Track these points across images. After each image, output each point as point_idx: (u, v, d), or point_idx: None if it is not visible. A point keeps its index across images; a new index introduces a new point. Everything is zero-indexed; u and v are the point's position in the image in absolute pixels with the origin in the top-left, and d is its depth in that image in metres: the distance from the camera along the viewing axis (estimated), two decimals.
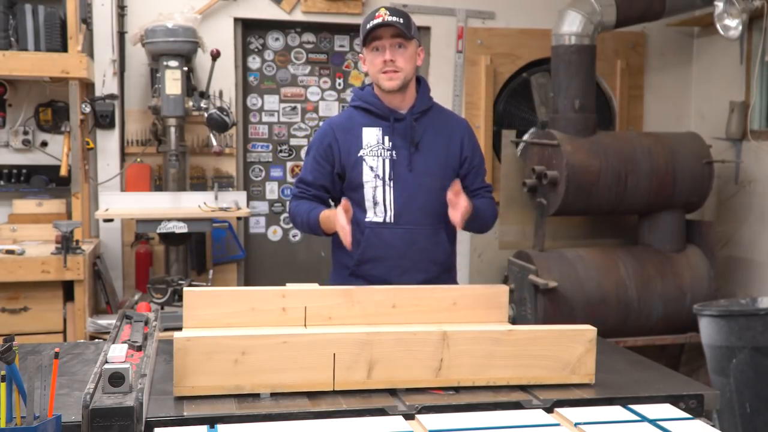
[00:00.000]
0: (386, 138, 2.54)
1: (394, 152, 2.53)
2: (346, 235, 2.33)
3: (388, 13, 2.46)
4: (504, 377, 1.91)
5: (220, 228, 4.65)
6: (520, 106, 4.99)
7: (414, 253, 2.55)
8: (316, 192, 2.57)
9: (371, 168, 2.52)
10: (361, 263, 2.56)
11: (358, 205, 2.54)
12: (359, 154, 2.53)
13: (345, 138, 2.55)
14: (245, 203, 4.41)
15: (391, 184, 2.52)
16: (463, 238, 4.84)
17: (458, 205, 2.39)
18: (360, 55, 2.61)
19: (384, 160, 2.52)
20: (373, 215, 2.53)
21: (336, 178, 2.57)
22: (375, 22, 2.45)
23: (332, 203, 2.65)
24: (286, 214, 4.98)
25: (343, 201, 2.37)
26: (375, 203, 2.53)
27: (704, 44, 5.12)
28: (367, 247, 2.53)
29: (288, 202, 2.59)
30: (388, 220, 2.53)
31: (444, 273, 2.63)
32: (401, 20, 2.46)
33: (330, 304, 2.26)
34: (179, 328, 2.06)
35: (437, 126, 2.59)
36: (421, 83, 2.61)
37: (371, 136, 2.54)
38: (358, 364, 1.83)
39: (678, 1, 4.31)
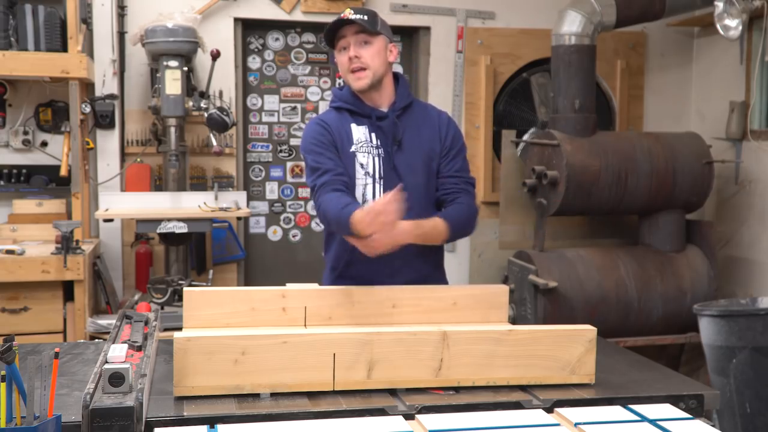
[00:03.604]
0: (373, 135, 2.51)
1: (381, 150, 2.50)
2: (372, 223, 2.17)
3: (351, 11, 2.44)
4: (504, 377, 1.91)
5: (220, 228, 4.65)
6: (520, 106, 4.99)
7: (403, 252, 2.47)
8: (343, 177, 2.43)
9: (361, 165, 2.49)
10: (350, 264, 2.51)
11: None
12: (351, 150, 2.49)
13: (337, 132, 2.51)
14: (245, 203, 4.41)
15: (381, 182, 2.49)
16: (464, 238, 4.83)
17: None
18: (335, 59, 2.59)
19: (374, 158, 2.49)
20: None
21: None
22: (336, 20, 2.44)
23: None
24: (286, 214, 4.98)
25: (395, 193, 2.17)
26: (364, 201, 2.48)
27: (704, 44, 5.12)
28: (355, 247, 2.49)
29: (315, 197, 2.45)
30: None
31: (434, 270, 2.61)
32: (365, 17, 2.43)
33: (330, 304, 2.26)
34: (179, 328, 2.06)
35: (418, 121, 2.56)
36: (399, 80, 2.58)
37: (360, 132, 2.51)
38: (358, 364, 1.83)
39: (678, 1, 4.30)
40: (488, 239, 4.71)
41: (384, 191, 2.47)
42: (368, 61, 2.43)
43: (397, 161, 2.51)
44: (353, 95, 2.53)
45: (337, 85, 4.99)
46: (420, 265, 2.55)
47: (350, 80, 2.48)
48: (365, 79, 2.45)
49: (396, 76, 2.58)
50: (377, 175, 2.50)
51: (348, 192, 2.41)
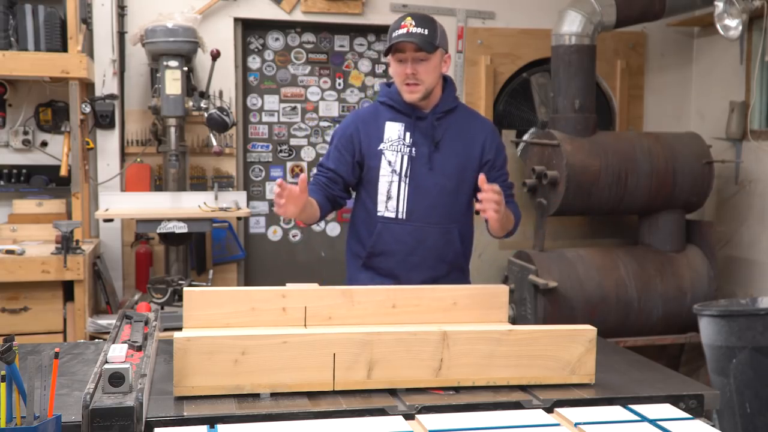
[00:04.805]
0: (408, 134, 2.58)
1: (413, 149, 2.57)
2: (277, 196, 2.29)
3: (413, 23, 2.46)
4: (504, 377, 1.91)
5: (220, 228, 4.65)
6: (520, 106, 4.99)
7: (423, 251, 2.60)
8: (333, 176, 2.61)
9: (389, 162, 2.57)
10: (372, 256, 2.63)
11: (372, 198, 2.61)
12: (379, 148, 2.58)
13: (367, 130, 2.61)
14: (245, 203, 4.41)
15: (407, 181, 2.57)
16: None
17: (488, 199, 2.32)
18: (386, 57, 2.62)
19: (403, 156, 2.57)
20: (385, 210, 2.59)
21: (356, 167, 2.62)
22: (399, 32, 2.47)
23: (344, 193, 2.68)
24: None
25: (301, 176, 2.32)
26: (388, 198, 2.58)
27: (704, 44, 5.12)
28: (377, 240, 2.60)
29: None
30: (399, 216, 2.58)
31: (454, 272, 2.67)
32: (426, 31, 2.46)
33: (330, 304, 2.26)
34: (179, 328, 2.06)
35: (460, 127, 2.62)
36: (447, 83, 2.64)
37: (393, 130, 2.59)
38: (358, 364, 1.83)
39: (678, 1, 4.31)
40: (488, 239, 4.67)
41: (409, 189, 2.57)
42: (423, 77, 2.50)
43: (433, 162, 2.57)
44: (399, 94, 2.60)
45: (336, 85, 5.00)
46: (437, 265, 2.63)
47: (403, 91, 2.55)
48: (418, 93, 2.52)
49: (445, 79, 2.63)
50: (403, 173, 2.56)
51: (322, 189, 2.58)
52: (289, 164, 4.98)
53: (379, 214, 2.59)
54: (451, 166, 2.59)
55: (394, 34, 2.48)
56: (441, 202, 2.59)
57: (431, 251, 2.60)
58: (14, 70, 3.96)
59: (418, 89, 2.51)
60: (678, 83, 5.23)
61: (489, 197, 2.30)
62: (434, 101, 2.59)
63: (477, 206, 2.36)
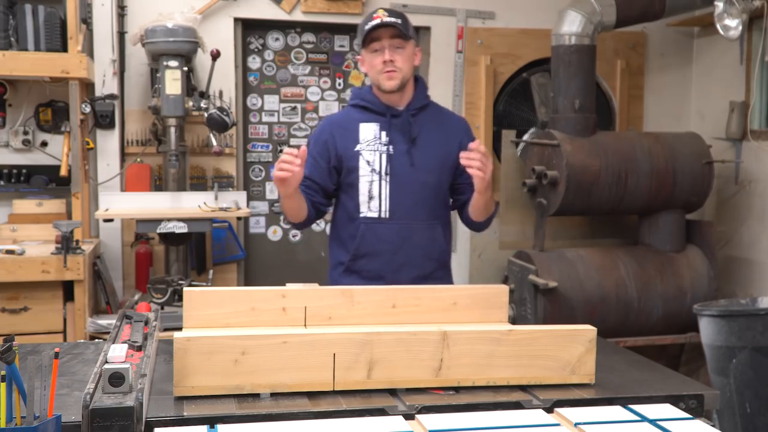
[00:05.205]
0: (383, 133, 2.58)
1: (390, 147, 2.57)
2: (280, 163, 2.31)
3: (386, 14, 2.51)
4: (504, 377, 1.91)
5: (220, 228, 4.65)
6: (520, 106, 4.99)
7: (408, 249, 2.59)
8: (309, 183, 2.60)
9: (368, 162, 2.56)
10: (355, 258, 2.61)
11: (353, 200, 2.59)
12: (356, 149, 2.57)
13: (342, 133, 2.60)
14: (245, 203, 4.41)
15: (387, 179, 2.56)
16: (463, 238, 4.84)
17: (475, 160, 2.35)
18: (358, 56, 2.65)
19: (381, 155, 2.56)
20: (367, 210, 2.58)
21: (333, 173, 2.61)
22: (374, 23, 2.49)
23: (324, 200, 2.67)
24: None
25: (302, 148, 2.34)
26: (370, 197, 2.57)
27: (704, 44, 5.12)
28: (361, 242, 2.58)
29: None
30: (382, 215, 2.57)
31: (439, 269, 2.66)
32: (399, 21, 2.51)
33: (330, 304, 2.25)
34: (179, 328, 2.06)
35: (435, 123, 2.63)
36: (418, 82, 2.66)
37: (368, 131, 2.58)
38: (358, 364, 1.83)
39: (678, 1, 4.31)
40: (488, 239, 4.71)
41: (390, 187, 2.56)
42: (401, 64, 2.53)
43: (411, 158, 2.57)
44: (372, 94, 2.61)
45: (336, 85, 5.00)
46: (423, 263, 2.61)
47: (381, 80, 2.55)
48: (396, 80, 2.53)
49: (416, 77, 2.66)
50: (383, 172, 2.56)
51: (305, 196, 2.55)
52: None
53: (361, 215, 2.58)
54: (430, 161, 2.59)
55: (367, 26, 2.51)
56: (423, 197, 2.59)
57: (417, 249, 2.59)
58: (14, 70, 3.96)
59: (397, 76, 2.53)
60: (678, 83, 5.23)
61: (475, 156, 2.32)
62: (408, 98, 2.61)
63: (463, 161, 2.35)
